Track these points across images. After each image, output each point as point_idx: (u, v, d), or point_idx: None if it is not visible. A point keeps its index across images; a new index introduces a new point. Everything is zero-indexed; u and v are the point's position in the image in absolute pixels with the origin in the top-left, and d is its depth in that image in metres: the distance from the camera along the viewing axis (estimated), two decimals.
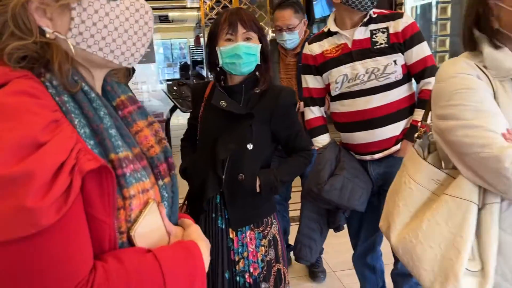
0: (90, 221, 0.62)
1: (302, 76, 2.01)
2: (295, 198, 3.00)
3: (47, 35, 0.66)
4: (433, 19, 3.89)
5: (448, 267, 1.04)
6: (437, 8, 3.87)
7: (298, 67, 2.48)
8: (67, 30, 0.67)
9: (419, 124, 1.44)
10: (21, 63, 0.64)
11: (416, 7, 4.05)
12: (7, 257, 0.57)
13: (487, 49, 1.06)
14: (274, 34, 2.66)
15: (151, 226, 0.72)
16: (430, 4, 3.93)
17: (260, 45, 1.51)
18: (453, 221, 1.04)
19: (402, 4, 4.01)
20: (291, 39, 2.48)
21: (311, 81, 1.96)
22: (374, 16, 1.80)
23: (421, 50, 1.78)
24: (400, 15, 1.81)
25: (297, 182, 2.74)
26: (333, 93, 1.86)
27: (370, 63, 1.77)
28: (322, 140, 1.96)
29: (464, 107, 1.02)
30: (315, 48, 1.90)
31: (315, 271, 2.77)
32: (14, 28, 0.63)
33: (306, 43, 2.01)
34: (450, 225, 1.05)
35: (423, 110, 1.78)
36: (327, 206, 1.91)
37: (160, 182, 0.78)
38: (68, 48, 0.67)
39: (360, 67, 1.78)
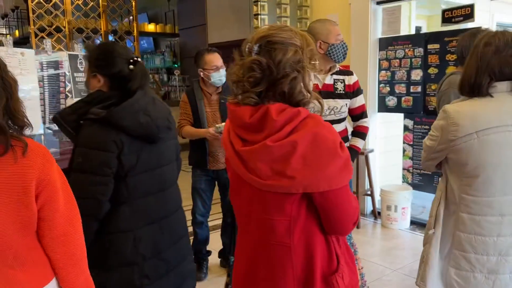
0: None
1: None
2: (214, 209, 3.53)
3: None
4: None
5: None
6: None
7: (221, 103, 3.07)
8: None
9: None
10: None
11: None
12: (342, 192, 1.23)
13: None
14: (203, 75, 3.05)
15: None
16: None
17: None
18: None
19: None
20: (221, 77, 3.01)
21: None
22: (338, 70, 2.58)
23: (361, 99, 2.64)
24: (351, 73, 2.64)
25: (216, 195, 3.30)
26: None
27: (331, 102, 2.51)
28: None
29: None
30: None
31: None
32: (303, 89, 1.26)
33: None
34: None
35: (359, 138, 2.67)
36: None
37: None
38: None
39: (324, 104, 2.48)
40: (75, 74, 2.72)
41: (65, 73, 2.66)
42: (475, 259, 1.69)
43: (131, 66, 1.71)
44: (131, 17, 7.11)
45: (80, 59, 2.79)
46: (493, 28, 6.26)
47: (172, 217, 1.86)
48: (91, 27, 6.76)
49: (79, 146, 1.60)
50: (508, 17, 6.55)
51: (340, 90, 2.55)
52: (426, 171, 4.25)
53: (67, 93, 2.68)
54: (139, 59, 1.75)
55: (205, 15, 8.13)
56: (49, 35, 6.24)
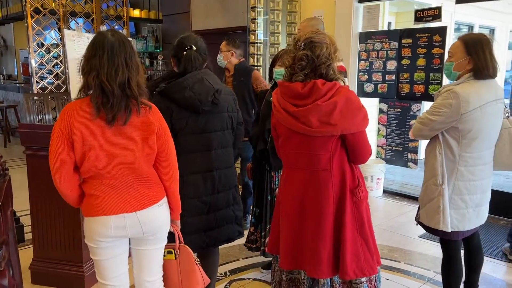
0: None
1: None
2: None
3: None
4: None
5: None
6: None
7: (234, 84, 3.77)
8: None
9: None
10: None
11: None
12: (363, 134, 1.92)
13: None
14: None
15: None
16: None
17: None
18: None
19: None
20: (220, 59, 3.81)
21: None
22: None
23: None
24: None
25: None
26: None
27: None
28: None
29: None
30: None
31: None
32: (333, 71, 1.91)
33: None
34: None
35: None
36: None
37: None
38: None
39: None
40: None
41: None
42: (468, 198, 2.32)
43: (184, 52, 2.21)
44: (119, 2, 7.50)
45: None
46: (452, 25, 7.11)
47: (217, 172, 2.30)
48: (83, 11, 7.10)
49: None
50: (465, 17, 7.43)
51: None
52: (397, 148, 4.99)
53: None
54: (193, 47, 2.21)
55: (189, 3, 8.53)
56: (43, 16, 6.56)
